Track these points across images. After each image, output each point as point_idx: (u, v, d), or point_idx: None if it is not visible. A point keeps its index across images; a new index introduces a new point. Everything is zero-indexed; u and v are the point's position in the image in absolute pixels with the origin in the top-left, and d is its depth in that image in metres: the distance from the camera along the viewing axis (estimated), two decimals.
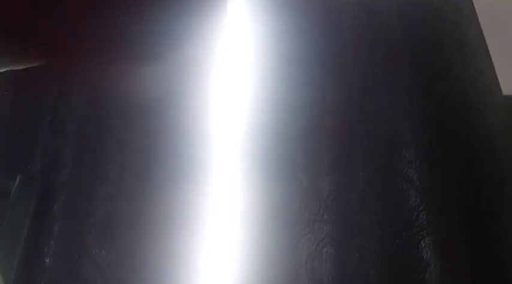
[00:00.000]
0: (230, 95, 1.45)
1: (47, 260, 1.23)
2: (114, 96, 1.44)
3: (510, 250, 1.26)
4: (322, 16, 1.51)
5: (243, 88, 1.45)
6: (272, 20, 1.52)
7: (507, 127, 1.40)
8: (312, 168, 1.37)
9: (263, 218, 1.29)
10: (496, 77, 1.43)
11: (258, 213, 1.29)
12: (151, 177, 1.37)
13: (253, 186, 1.34)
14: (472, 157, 1.38)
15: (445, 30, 1.51)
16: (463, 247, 1.27)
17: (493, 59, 1.45)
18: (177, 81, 1.42)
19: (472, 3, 1.52)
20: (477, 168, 1.37)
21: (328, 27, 1.50)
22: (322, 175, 1.37)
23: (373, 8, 1.54)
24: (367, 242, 1.26)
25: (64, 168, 1.37)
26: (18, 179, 1.31)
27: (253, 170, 1.36)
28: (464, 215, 1.30)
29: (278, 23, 1.51)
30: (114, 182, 1.36)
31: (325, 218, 1.32)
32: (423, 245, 1.24)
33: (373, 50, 1.49)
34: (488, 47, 1.46)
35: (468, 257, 1.26)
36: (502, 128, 1.40)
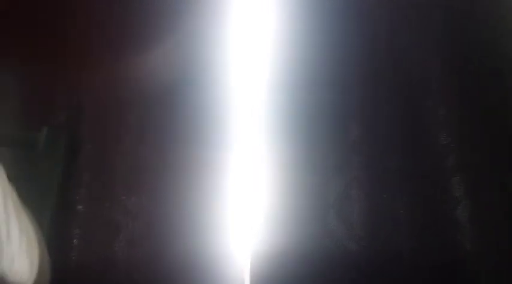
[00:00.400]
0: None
1: (79, 207, 1.26)
2: None
3: None
4: None
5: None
6: None
7: None
8: (339, 113, 1.35)
9: (290, 161, 1.29)
10: None
11: (284, 156, 1.29)
12: (174, 126, 1.37)
13: (279, 130, 1.33)
14: (504, 94, 1.34)
15: None
16: (494, 184, 1.25)
17: None
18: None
19: None
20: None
21: None
22: (350, 119, 1.35)
23: None
24: (396, 182, 1.25)
25: (89, 119, 1.38)
26: (44, 131, 1.32)
27: (278, 115, 1.34)
28: (496, 153, 1.27)
29: None
30: (139, 131, 1.36)
31: (352, 160, 1.31)
32: (454, 183, 1.22)
33: None
34: None
35: (499, 195, 1.25)
36: None
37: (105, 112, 1.38)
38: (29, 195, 1.05)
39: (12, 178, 0.92)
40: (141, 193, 1.28)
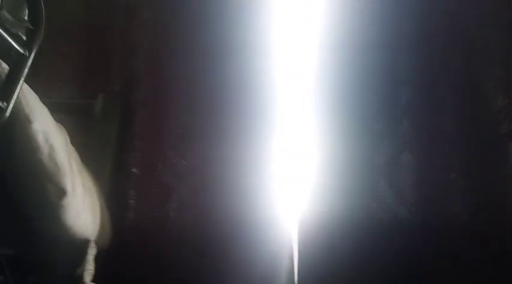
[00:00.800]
0: None
1: (134, 170, 1.32)
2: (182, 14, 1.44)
3: None
4: None
5: None
6: None
7: None
8: (390, 76, 1.32)
9: (339, 126, 1.28)
10: None
11: (332, 122, 1.28)
12: (222, 92, 1.38)
13: (328, 95, 1.32)
14: None
15: None
16: None
17: None
18: None
19: None
20: None
21: None
22: (401, 82, 1.31)
23: None
24: (449, 146, 1.22)
25: (140, 87, 1.42)
26: (100, 99, 1.38)
27: (327, 79, 1.33)
28: None
29: None
30: (187, 99, 1.39)
31: (403, 125, 1.29)
32: (509, 148, 1.17)
33: None
34: None
35: None
36: None
37: (157, 81, 1.42)
38: (88, 159, 1.11)
39: (73, 144, 0.98)
40: (190, 157, 1.32)
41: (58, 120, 0.89)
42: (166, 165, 1.32)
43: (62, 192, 0.71)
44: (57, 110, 0.83)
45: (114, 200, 1.24)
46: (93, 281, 0.92)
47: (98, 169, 1.23)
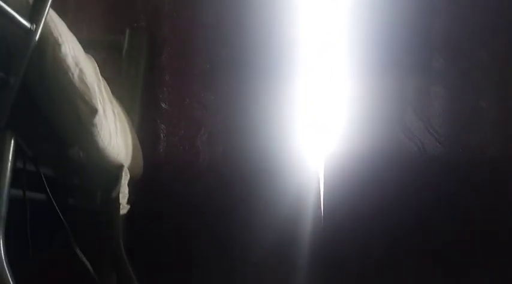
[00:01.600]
0: None
1: (163, 105, 1.35)
2: None
3: None
4: None
5: None
6: None
7: None
8: (422, 4, 1.26)
9: (368, 60, 1.26)
10: None
11: (363, 55, 1.25)
12: (250, 26, 1.36)
13: (358, 27, 1.28)
14: None
15: None
16: None
17: None
18: None
19: None
20: None
21: None
22: (434, 12, 1.26)
23: None
24: (482, 75, 1.18)
25: (167, 22, 1.42)
26: (127, 34, 1.39)
27: (357, 13, 1.29)
28: None
29: None
30: (215, 33, 1.38)
31: (435, 55, 1.25)
32: None
33: None
34: None
35: None
36: None
37: (183, 16, 1.41)
38: (118, 94, 1.14)
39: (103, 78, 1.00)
40: (218, 91, 1.33)
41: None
42: (194, 99, 1.33)
43: (93, 111, 0.73)
44: (86, 46, 0.85)
45: (145, 134, 1.27)
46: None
47: (128, 103, 1.26)
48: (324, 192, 1.29)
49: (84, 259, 0.83)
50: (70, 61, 0.70)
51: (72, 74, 0.69)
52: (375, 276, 1.22)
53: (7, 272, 0.61)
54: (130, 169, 1.00)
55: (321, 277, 1.22)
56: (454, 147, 1.24)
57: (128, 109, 1.20)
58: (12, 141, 0.63)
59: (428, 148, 1.24)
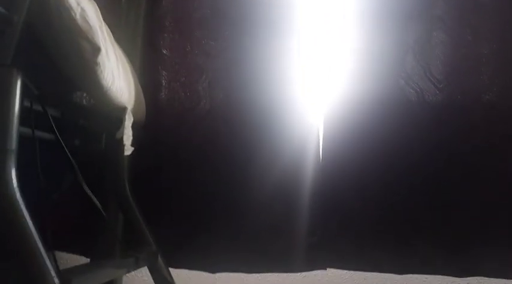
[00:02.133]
0: None
1: (164, 51, 1.35)
2: None
3: None
4: None
5: None
6: None
7: None
8: None
9: (369, 5, 1.24)
10: None
11: (361, 3, 1.24)
12: None
13: None
14: None
15: None
16: None
17: None
18: None
19: None
20: None
21: None
22: None
23: None
24: (483, 21, 1.17)
25: None
26: None
27: None
28: None
29: None
30: None
31: (436, 1, 1.23)
32: None
33: None
34: None
35: None
36: None
37: None
38: (118, 40, 1.13)
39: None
40: (218, 38, 1.32)
41: None
42: (195, 46, 1.33)
43: (95, 49, 0.74)
44: None
45: (146, 80, 1.28)
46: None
47: (129, 49, 1.26)
48: (323, 136, 1.30)
49: (94, 198, 0.86)
50: (72, 0, 0.70)
51: (75, 13, 0.70)
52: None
53: (20, 203, 0.62)
54: (133, 113, 1.02)
55: (320, 217, 1.26)
56: (452, 93, 1.24)
57: (128, 56, 1.20)
58: (19, 79, 0.64)
59: (427, 94, 1.25)
